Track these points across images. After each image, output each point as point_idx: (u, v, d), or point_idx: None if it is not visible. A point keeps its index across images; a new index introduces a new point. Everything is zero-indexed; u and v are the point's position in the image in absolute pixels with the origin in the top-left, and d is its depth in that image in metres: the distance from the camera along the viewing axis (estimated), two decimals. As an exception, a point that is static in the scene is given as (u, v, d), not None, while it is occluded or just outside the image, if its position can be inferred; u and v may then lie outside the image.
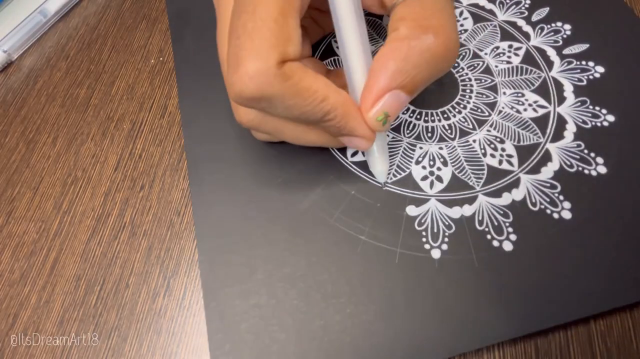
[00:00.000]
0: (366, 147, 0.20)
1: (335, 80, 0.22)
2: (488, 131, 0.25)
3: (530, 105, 0.26)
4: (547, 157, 0.24)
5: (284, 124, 0.21)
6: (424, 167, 0.24)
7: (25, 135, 0.27)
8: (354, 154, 0.24)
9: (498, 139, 0.25)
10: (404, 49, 0.18)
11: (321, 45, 0.29)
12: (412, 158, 0.24)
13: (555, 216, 0.22)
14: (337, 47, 0.29)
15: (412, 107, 0.26)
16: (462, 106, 0.26)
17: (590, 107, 0.26)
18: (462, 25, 0.30)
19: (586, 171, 0.23)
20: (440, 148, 0.25)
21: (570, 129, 0.25)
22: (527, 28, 0.29)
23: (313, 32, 0.25)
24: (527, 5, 0.30)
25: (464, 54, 0.28)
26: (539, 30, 0.29)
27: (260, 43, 0.17)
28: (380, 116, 0.19)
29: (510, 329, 0.19)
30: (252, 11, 0.17)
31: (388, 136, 0.25)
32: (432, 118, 0.26)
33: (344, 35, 0.19)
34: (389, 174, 0.24)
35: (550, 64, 0.28)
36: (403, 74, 0.18)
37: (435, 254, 0.21)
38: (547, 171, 0.23)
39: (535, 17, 0.30)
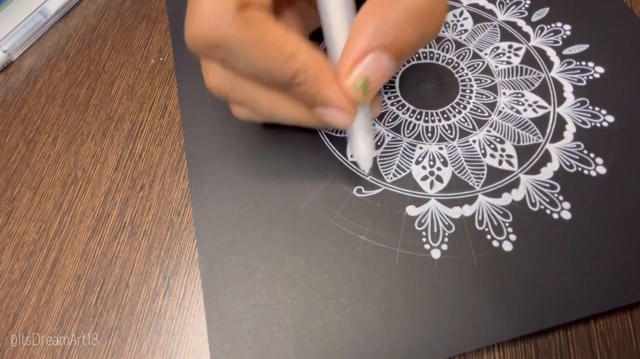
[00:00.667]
0: (345, 122, 0.18)
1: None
2: (488, 131, 0.25)
3: (530, 105, 0.26)
4: (546, 158, 0.24)
5: (256, 90, 0.19)
6: (424, 167, 0.24)
7: (25, 135, 0.27)
8: (354, 154, 0.24)
9: (498, 140, 0.25)
10: (384, 5, 0.16)
11: (322, 45, 0.29)
12: (412, 158, 0.24)
13: (555, 216, 0.22)
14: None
15: (412, 107, 0.26)
16: (462, 106, 0.26)
17: (590, 107, 0.26)
18: (462, 25, 0.30)
19: (586, 172, 0.23)
20: (440, 148, 0.25)
21: (570, 130, 0.25)
22: (527, 28, 0.29)
23: (310, 18, 0.23)
24: (527, 6, 0.30)
25: (464, 54, 0.28)
26: (539, 31, 0.29)
27: None
28: (359, 81, 0.16)
29: (510, 329, 0.19)
30: None
31: (388, 136, 0.25)
32: (432, 118, 0.26)
33: None
34: (388, 174, 0.24)
35: (550, 65, 0.28)
36: (384, 34, 0.16)
37: (435, 254, 0.21)
38: (547, 172, 0.23)
39: (535, 18, 0.30)
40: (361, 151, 0.20)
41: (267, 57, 0.16)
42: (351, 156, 0.24)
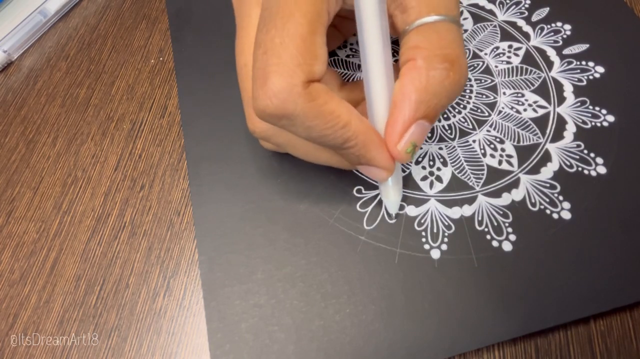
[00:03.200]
0: (385, 178, 0.20)
1: (349, 95, 0.21)
2: (488, 131, 0.25)
3: (530, 105, 0.26)
4: (546, 158, 0.24)
5: (298, 139, 0.20)
6: (423, 168, 0.24)
7: (25, 135, 0.27)
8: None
9: (498, 139, 0.25)
10: (424, 79, 0.18)
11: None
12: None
13: (555, 216, 0.22)
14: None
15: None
16: (462, 106, 0.26)
17: (590, 107, 0.26)
18: (462, 25, 0.30)
19: (586, 171, 0.23)
20: (440, 148, 0.25)
21: (570, 129, 0.25)
22: (527, 28, 0.29)
23: (333, 39, 0.25)
24: (527, 6, 0.30)
25: (463, 54, 0.28)
26: (539, 31, 0.29)
27: (288, 60, 0.17)
28: (409, 148, 0.19)
29: (510, 329, 0.19)
30: (281, 26, 0.17)
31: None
32: (432, 118, 0.26)
33: (369, 62, 0.18)
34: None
35: (550, 64, 0.28)
36: (425, 104, 0.18)
37: (435, 254, 0.21)
38: (547, 171, 0.23)
39: (535, 17, 0.30)
40: (391, 197, 0.22)
41: (325, 126, 0.18)
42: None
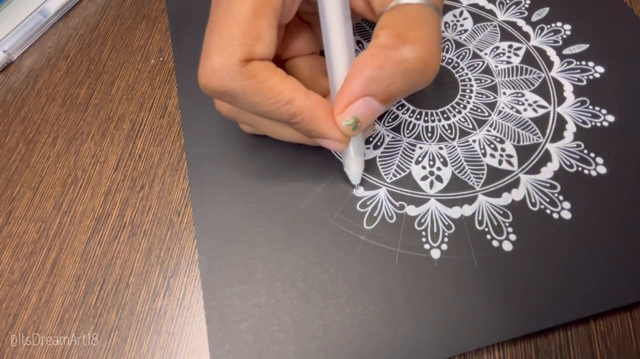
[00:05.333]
0: (339, 148, 0.20)
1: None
2: (488, 131, 0.25)
3: (530, 105, 0.26)
4: (546, 158, 0.24)
5: (259, 119, 0.21)
6: (423, 167, 0.24)
7: (25, 135, 0.27)
8: (354, 154, 0.24)
9: (498, 139, 0.25)
10: (381, 57, 0.17)
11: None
12: (412, 158, 0.24)
13: (555, 216, 0.22)
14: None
15: (412, 107, 0.26)
16: (462, 106, 0.26)
17: (590, 107, 0.26)
18: (462, 25, 0.30)
19: (586, 171, 0.23)
20: (440, 148, 0.25)
21: (570, 129, 0.25)
22: (527, 28, 0.29)
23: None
24: (527, 6, 0.30)
25: (464, 54, 0.28)
26: (539, 31, 0.29)
27: (227, 39, 0.17)
28: (349, 121, 0.19)
29: (510, 329, 0.19)
30: (226, 7, 0.18)
31: (388, 136, 0.25)
32: (432, 118, 0.26)
33: (330, 36, 0.19)
34: (388, 174, 0.24)
35: (550, 64, 0.28)
36: (376, 82, 0.18)
37: (435, 254, 0.21)
38: (547, 171, 0.23)
39: (535, 17, 0.30)
40: (352, 168, 0.22)
41: (267, 103, 0.18)
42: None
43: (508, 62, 0.28)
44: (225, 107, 0.22)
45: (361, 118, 0.19)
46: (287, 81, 0.18)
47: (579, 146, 0.24)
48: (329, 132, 0.19)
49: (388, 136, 0.25)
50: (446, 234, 0.22)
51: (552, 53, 0.28)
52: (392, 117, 0.26)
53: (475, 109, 0.26)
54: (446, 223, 0.22)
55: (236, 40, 0.17)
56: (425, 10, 0.18)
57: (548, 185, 0.23)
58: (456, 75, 0.27)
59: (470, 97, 0.26)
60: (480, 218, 0.22)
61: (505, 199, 0.23)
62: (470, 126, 0.25)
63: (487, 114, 0.26)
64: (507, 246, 0.21)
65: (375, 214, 0.22)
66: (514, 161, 0.24)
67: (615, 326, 0.20)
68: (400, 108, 0.26)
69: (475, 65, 0.28)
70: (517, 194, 0.23)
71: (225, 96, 0.18)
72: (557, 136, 0.25)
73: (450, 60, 0.28)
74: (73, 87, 0.29)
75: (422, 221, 0.22)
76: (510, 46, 0.29)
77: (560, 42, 0.28)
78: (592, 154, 0.24)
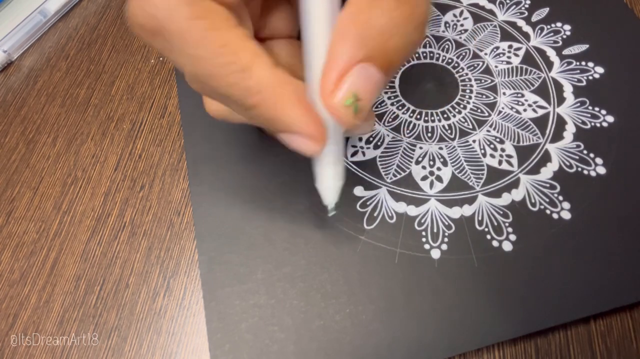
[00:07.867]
0: (313, 149, 0.15)
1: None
2: (488, 131, 0.25)
3: (530, 105, 0.26)
4: (546, 158, 0.24)
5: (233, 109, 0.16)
6: (423, 167, 0.24)
7: (25, 135, 0.27)
8: (354, 153, 0.24)
9: (498, 140, 0.25)
10: (366, 9, 0.13)
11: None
12: (412, 158, 0.24)
13: (555, 216, 0.22)
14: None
15: (412, 107, 0.26)
16: (462, 106, 0.26)
17: (590, 107, 0.26)
18: (462, 25, 0.30)
19: (585, 172, 0.23)
20: (440, 148, 0.25)
21: (570, 130, 0.25)
22: (527, 28, 0.29)
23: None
24: (527, 6, 0.30)
25: (464, 54, 0.28)
26: (539, 31, 0.29)
27: None
28: (348, 99, 0.14)
29: (510, 329, 0.19)
30: None
31: (388, 136, 0.25)
32: (432, 118, 0.26)
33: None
34: (388, 174, 0.24)
35: (550, 65, 0.28)
36: (368, 41, 0.13)
37: (435, 254, 0.21)
38: (547, 172, 0.23)
39: (535, 18, 0.30)
40: (326, 182, 0.17)
41: (213, 62, 0.13)
42: (352, 156, 0.24)
43: (508, 63, 0.28)
44: (215, 107, 0.18)
45: (362, 94, 0.14)
46: (247, 42, 0.14)
47: (578, 146, 0.24)
48: (299, 124, 0.14)
49: (388, 135, 0.25)
50: (446, 234, 0.22)
51: (552, 53, 0.28)
52: (392, 117, 0.26)
53: (475, 109, 0.26)
54: (446, 223, 0.22)
55: None
56: None
57: (548, 185, 0.23)
58: (456, 76, 0.27)
59: (470, 98, 0.26)
60: (480, 218, 0.22)
61: (505, 199, 0.23)
62: (470, 126, 0.25)
63: (487, 114, 0.26)
64: (507, 246, 0.21)
65: (375, 214, 0.22)
66: (514, 161, 0.24)
67: (615, 326, 0.20)
68: (400, 108, 0.26)
69: (475, 65, 0.28)
70: (517, 195, 0.23)
71: (157, 37, 0.14)
72: (557, 136, 0.25)
73: (450, 60, 0.28)
74: (73, 87, 0.29)
75: (422, 221, 0.22)
76: (510, 46, 0.29)
77: (560, 43, 0.28)
78: (592, 155, 0.24)
